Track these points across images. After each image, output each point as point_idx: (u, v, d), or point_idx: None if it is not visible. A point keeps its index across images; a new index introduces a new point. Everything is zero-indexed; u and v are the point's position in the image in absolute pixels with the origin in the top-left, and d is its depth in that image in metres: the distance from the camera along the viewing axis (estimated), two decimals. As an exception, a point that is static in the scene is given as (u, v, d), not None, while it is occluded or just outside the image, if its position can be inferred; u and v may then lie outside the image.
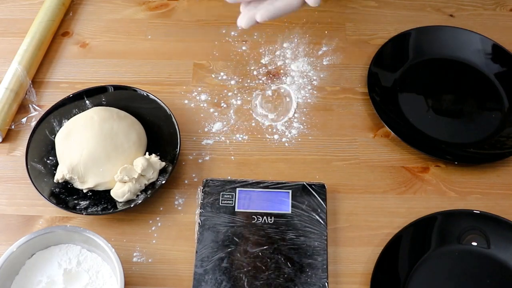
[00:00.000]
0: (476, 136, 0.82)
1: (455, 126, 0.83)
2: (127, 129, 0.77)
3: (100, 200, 0.75)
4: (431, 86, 0.87)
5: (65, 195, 0.75)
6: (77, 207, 0.73)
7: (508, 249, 0.71)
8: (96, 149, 0.74)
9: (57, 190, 0.75)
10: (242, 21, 0.72)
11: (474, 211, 0.73)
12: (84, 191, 0.75)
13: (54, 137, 0.79)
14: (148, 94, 0.82)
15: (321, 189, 0.75)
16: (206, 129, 0.83)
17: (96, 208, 0.73)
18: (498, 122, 0.83)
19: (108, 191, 0.75)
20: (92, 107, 0.81)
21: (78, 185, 0.75)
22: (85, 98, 0.83)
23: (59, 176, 0.74)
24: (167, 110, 0.80)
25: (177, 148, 0.77)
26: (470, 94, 0.87)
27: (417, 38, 0.91)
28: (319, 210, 0.73)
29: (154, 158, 0.76)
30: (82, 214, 0.73)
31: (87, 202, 0.74)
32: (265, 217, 0.73)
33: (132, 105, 0.82)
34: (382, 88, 0.86)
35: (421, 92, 0.86)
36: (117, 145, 0.75)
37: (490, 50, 0.90)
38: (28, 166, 0.75)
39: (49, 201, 0.73)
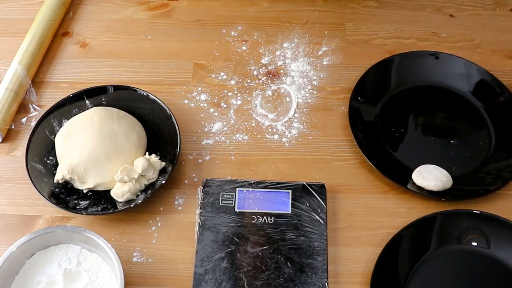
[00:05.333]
0: (464, 168, 0.79)
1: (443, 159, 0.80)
2: (127, 129, 0.77)
3: (100, 200, 0.75)
4: (415, 117, 0.84)
5: (65, 195, 0.75)
6: (77, 207, 0.73)
7: (508, 249, 0.71)
8: (96, 150, 0.74)
9: (57, 190, 0.75)
10: None
11: (474, 211, 0.73)
12: (84, 191, 0.75)
13: (54, 137, 0.79)
14: (148, 94, 0.82)
15: (321, 189, 0.75)
16: (206, 129, 0.83)
17: (96, 208, 0.73)
18: (484, 156, 0.81)
19: (108, 191, 0.75)
20: (92, 107, 0.81)
21: (78, 185, 0.75)
22: (85, 98, 0.82)
23: (59, 176, 0.74)
24: (167, 110, 0.80)
25: (177, 148, 0.77)
26: (457, 126, 0.84)
27: (399, 65, 0.88)
28: (319, 210, 0.73)
29: (154, 158, 0.76)
30: (82, 214, 0.73)
31: (87, 202, 0.74)
32: (265, 217, 0.73)
33: (132, 105, 0.82)
34: (364, 123, 0.83)
35: (403, 126, 0.83)
36: (117, 145, 0.75)
37: (473, 74, 0.87)
38: (28, 166, 0.75)
39: (49, 201, 0.73)
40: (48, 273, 0.67)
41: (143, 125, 0.81)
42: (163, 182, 0.75)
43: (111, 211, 0.73)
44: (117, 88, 0.83)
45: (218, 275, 0.68)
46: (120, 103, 0.82)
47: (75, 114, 0.80)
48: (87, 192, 0.75)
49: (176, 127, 0.78)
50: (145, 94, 0.82)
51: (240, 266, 0.69)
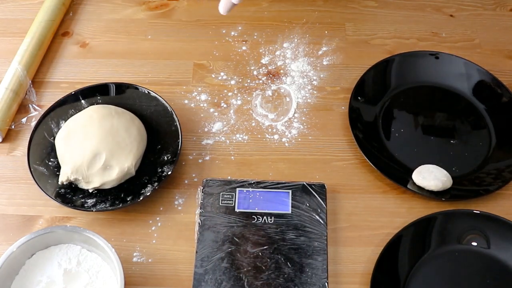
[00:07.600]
0: (464, 168, 0.79)
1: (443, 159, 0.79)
2: (127, 124, 0.77)
3: (107, 196, 0.74)
4: (415, 117, 0.84)
5: (71, 195, 0.74)
6: (85, 205, 0.73)
7: (508, 249, 0.71)
8: (99, 148, 0.74)
9: (62, 190, 0.75)
10: (221, 8, 0.80)
11: (474, 211, 0.73)
12: (90, 191, 0.75)
13: (53, 139, 0.78)
14: (149, 91, 0.82)
15: (321, 189, 0.75)
16: (206, 129, 0.83)
17: (104, 205, 0.73)
18: (484, 156, 0.80)
19: (113, 188, 0.75)
20: (88, 106, 0.81)
21: (83, 185, 0.75)
22: (83, 98, 0.82)
23: (63, 178, 0.73)
24: (168, 108, 0.80)
25: (178, 147, 0.77)
26: (457, 126, 0.84)
27: (399, 65, 0.88)
28: (319, 210, 0.73)
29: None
30: (92, 211, 0.73)
31: (94, 200, 0.74)
32: (265, 217, 0.73)
33: (131, 103, 0.82)
34: (364, 123, 0.83)
35: (403, 126, 0.83)
36: (119, 141, 0.75)
37: (474, 74, 0.87)
38: (32, 169, 0.75)
39: (59, 203, 0.72)
40: (48, 273, 0.67)
41: (144, 125, 0.81)
42: (169, 173, 0.75)
43: (120, 206, 0.73)
44: (118, 86, 0.83)
45: (218, 275, 0.68)
46: (119, 102, 0.82)
47: (71, 115, 0.80)
48: (93, 191, 0.75)
49: (178, 127, 0.78)
50: (146, 92, 0.82)
51: (240, 266, 0.69)
